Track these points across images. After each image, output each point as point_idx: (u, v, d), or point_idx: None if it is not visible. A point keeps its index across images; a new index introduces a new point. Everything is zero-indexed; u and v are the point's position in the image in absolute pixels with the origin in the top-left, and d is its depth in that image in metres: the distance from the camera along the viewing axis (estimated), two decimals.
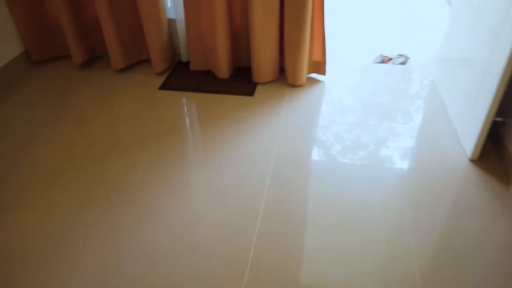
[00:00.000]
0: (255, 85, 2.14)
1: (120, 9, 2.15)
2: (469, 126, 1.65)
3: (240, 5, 2.05)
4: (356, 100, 2.00)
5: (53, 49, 2.42)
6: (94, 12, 2.29)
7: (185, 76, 2.24)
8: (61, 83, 2.23)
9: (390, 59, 2.28)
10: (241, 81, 2.17)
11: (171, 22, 2.27)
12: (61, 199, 1.53)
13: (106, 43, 2.20)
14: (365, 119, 1.87)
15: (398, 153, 1.68)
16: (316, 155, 1.69)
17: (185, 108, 2.00)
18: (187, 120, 1.91)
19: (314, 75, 2.19)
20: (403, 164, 1.63)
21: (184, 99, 2.07)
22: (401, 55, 2.30)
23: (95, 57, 2.46)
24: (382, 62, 2.26)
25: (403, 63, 2.22)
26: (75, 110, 2.01)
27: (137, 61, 2.38)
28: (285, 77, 2.14)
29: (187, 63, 2.35)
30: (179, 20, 2.21)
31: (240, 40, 2.16)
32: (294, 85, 2.11)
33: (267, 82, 2.15)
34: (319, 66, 2.12)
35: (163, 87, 2.16)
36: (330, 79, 2.17)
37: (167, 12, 2.25)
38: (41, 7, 2.27)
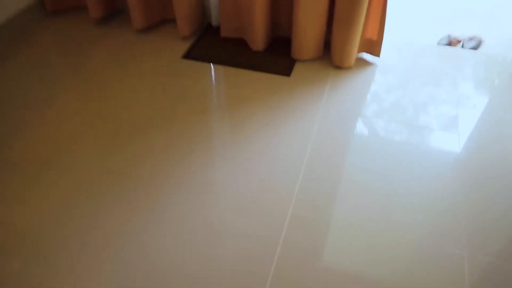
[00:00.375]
0: (293, 62, 1.82)
1: None
2: None
3: None
4: (412, 89, 1.66)
5: None
6: None
7: (214, 43, 1.94)
8: (75, 41, 1.98)
9: (459, 41, 1.89)
10: (277, 55, 1.85)
11: None
12: (54, 189, 1.32)
13: (128, 1, 1.91)
14: (420, 111, 1.55)
15: (457, 151, 1.38)
16: (358, 152, 1.41)
17: (210, 85, 1.72)
18: (211, 101, 1.64)
19: (364, 55, 1.85)
20: (460, 164, 1.34)
21: (209, 73, 1.78)
22: (473, 37, 1.91)
23: (116, 12, 2.17)
24: (449, 44, 1.89)
25: (475, 48, 1.84)
26: (85, 75, 1.76)
27: (161, 20, 2.08)
28: (330, 56, 1.80)
29: (218, 27, 2.04)
30: None
31: (281, 5, 1.82)
32: (340, 67, 1.78)
33: (308, 60, 1.83)
34: (373, 46, 1.77)
35: (188, 55, 1.87)
36: (383, 61, 1.82)
37: None
38: None
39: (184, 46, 1.93)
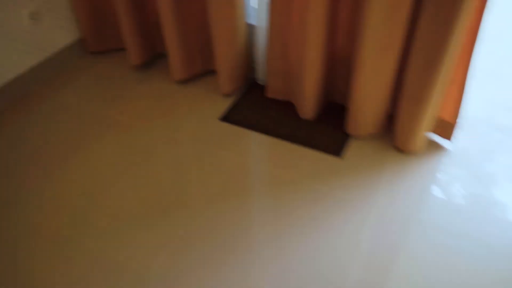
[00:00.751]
0: (347, 137, 1.56)
1: (187, 6, 1.65)
2: None
3: (348, 19, 1.44)
4: (494, 186, 1.34)
5: (111, 40, 2.01)
6: (156, 8, 1.81)
7: (258, 104, 1.71)
8: (111, 87, 1.83)
9: None
10: (329, 126, 1.59)
11: (250, 29, 1.73)
12: (58, 276, 1.16)
13: (167, 48, 1.73)
14: (498, 213, 1.23)
15: None
16: (420, 263, 1.12)
17: (248, 159, 1.50)
18: (248, 180, 1.42)
19: (432, 135, 1.54)
20: None
21: (249, 143, 1.56)
22: None
23: (157, 56, 2.01)
24: None
25: None
26: (114, 130, 1.60)
27: (203, 72, 1.89)
28: (393, 135, 1.52)
29: (264, 86, 1.81)
30: (261, 28, 1.66)
31: (338, 67, 1.57)
32: (403, 151, 1.50)
33: (365, 137, 1.55)
34: (445, 128, 1.47)
35: (227, 118, 1.66)
36: (460, 146, 1.51)
37: (247, 15, 1.70)
38: None
39: (225, 104, 1.72)
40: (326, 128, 1.59)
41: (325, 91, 1.63)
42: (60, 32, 1.89)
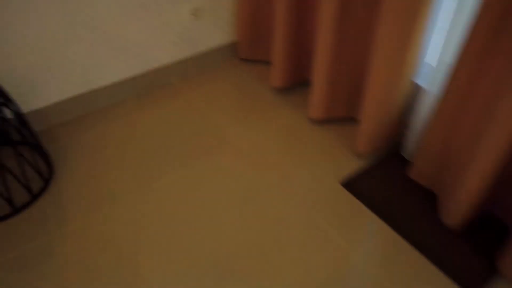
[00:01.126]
0: (494, 272, 1.15)
1: (349, 43, 1.40)
2: None
3: None
4: None
5: (263, 52, 1.87)
6: (314, 37, 1.60)
7: (393, 183, 1.38)
8: (244, 102, 1.70)
9: None
10: (475, 248, 1.19)
11: (416, 89, 1.41)
12: None
13: (313, 81, 1.52)
14: None
15: None
16: None
17: (357, 249, 1.20)
18: (345, 276, 1.14)
19: None
20: None
21: (364, 229, 1.26)
22: None
23: (302, 83, 1.81)
24: None
25: None
26: (224, 152, 1.46)
27: (344, 117, 1.63)
28: None
29: (408, 161, 1.47)
30: (430, 94, 1.32)
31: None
32: None
33: None
34: None
35: (350, 184, 1.38)
36: None
37: (418, 73, 1.38)
38: (265, 7, 1.72)
39: (353, 165, 1.44)
40: (470, 249, 1.20)
41: (485, 198, 1.24)
42: (215, 32, 1.82)
